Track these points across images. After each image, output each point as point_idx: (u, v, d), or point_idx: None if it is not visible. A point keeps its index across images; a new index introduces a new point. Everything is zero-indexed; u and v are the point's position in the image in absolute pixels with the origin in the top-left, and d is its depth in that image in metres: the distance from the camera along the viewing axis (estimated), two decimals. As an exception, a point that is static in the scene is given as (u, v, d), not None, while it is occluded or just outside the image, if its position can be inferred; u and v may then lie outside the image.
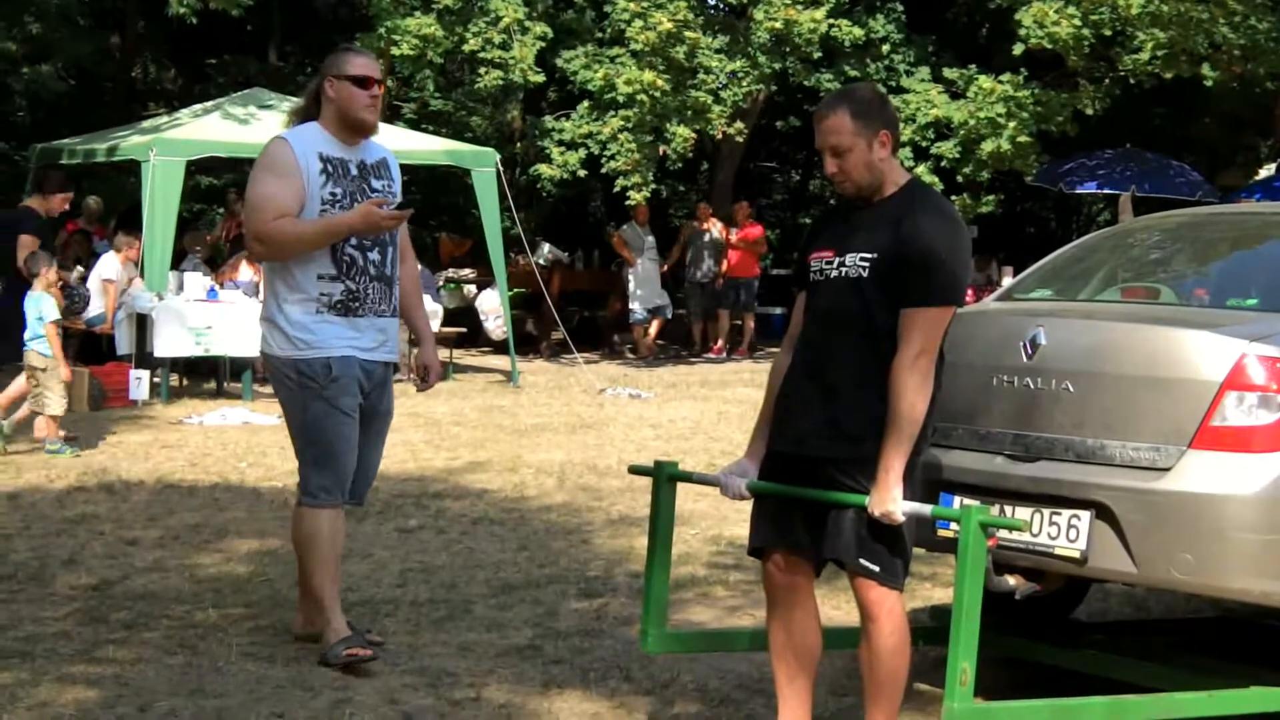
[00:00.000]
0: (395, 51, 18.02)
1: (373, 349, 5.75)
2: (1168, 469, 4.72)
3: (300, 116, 5.88)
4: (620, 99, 17.74)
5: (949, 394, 4.68)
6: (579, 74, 18.92)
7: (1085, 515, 4.84)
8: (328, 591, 5.74)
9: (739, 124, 19.12)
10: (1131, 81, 19.21)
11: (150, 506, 8.63)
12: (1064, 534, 4.89)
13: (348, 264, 5.66)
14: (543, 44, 18.48)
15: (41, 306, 10.54)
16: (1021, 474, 5.03)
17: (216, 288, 14.57)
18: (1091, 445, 4.90)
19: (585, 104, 18.74)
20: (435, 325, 16.44)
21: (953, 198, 19.17)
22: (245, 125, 15.74)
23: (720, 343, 20.10)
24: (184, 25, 17.87)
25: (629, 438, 11.91)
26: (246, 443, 11.14)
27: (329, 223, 5.61)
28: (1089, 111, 19.40)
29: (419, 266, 6.69)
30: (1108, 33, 18.35)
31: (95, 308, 15.18)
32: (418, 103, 21.64)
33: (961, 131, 19.06)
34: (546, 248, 21.17)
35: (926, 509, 4.48)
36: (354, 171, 5.74)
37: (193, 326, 13.78)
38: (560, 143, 18.80)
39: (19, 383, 10.94)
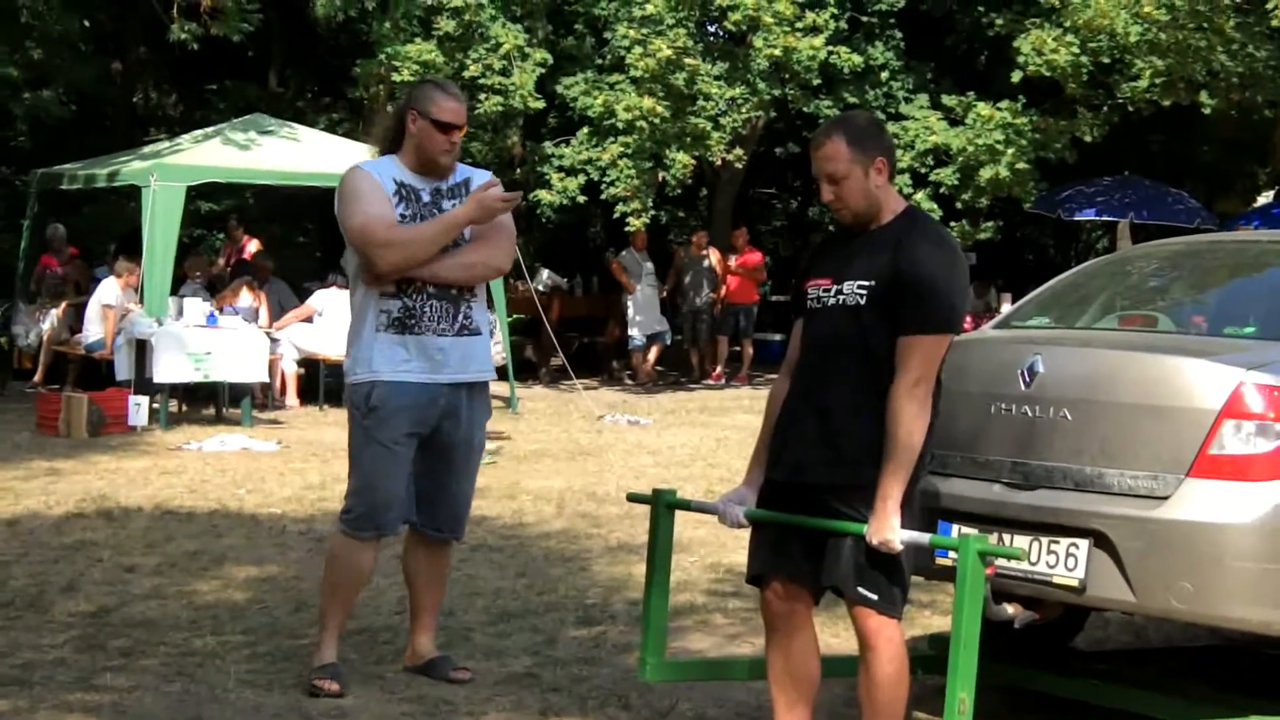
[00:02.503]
0: (396, 77, 18.06)
1: (429, 370, 5.62)
2: (1166, 497, 4.72)
3: (384, 143, 5.82)
4: (620, 125, 17.78)
5: (947, 421, 4.69)
6: (579, 100, 18.95)
7: (1084, 544, 4.84)
8: (329, 615, 5.76)
9: (738, 150, 19.15)
10: (1130, 109, 19.25)
11: (149, 533, 8.61)
12: (1062, 562, 4.88)
13: (406, 280, 5.62)
14: (543, 70, 18.53)
15: None
16: (1020, 502, 5.03)
17: (216, 313, 14.57)
18: (1090, 473, 4.89)
19: (585, 130, 18.77)
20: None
21: (951, 224, 19.20)
22: (246, 150, 15.78)
23: (719, 369, 20.10)
24: (185, 51, 17.89)
25: (628, 464, 11.90)
26: (245, 469, 11.13)
27: (446, 216, 5.63)
28: (1087, 138, 19.43)
29: None
30: (1106, 60, 18.40)
31: (94, 333, 15.20)
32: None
33: (960, 158, 19.10)
34: (546, 274, 21.19)
35: (925, 537, 4.48)
36: (426, 198, 5.70)
37: (192, 352, 13.77)
38: (560, 169, 18.83)
39: None
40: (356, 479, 5.71)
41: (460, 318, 5.69)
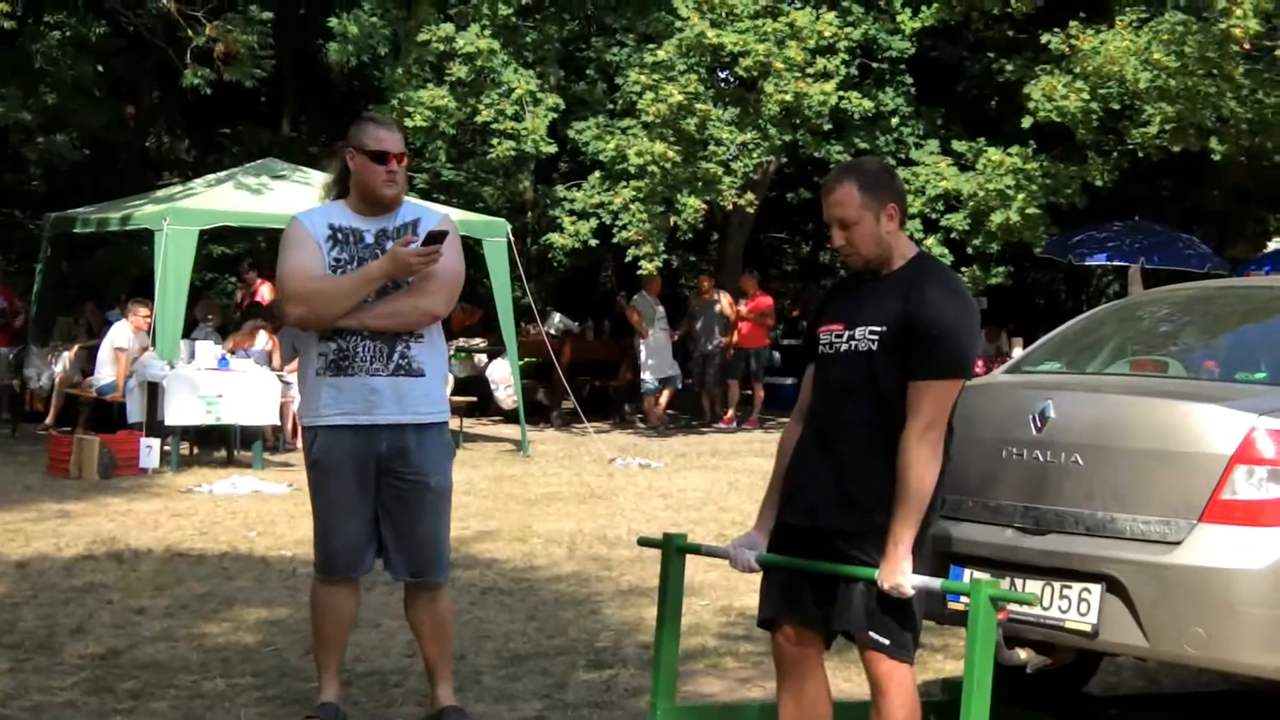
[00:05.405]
0: (408, 123, 18.14)
1: (362, 412, 5.58)
2: (1178, 543, 4.71)
3: (335, 189, 5.85)
4: (631, 169, 17.84)
5: (959, 466, 4.68)
6: (590, 145, 19.03)
7: (1096, 589, 4.83)
8: (321, 657, 5.78)
9: (749, 195, 19.20)
10: (1140, 154, 19.28)
11: (159, 575, 8.61)
12: (1075, 607, 4.87)
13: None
14: (554, 115, 18.61)
15: None
16: (1032, 547, 5.02)
17: (228, 356, 14.60)
18: (1101, 518, 4.89)
19: (597, 174, 18.83)
20: (445, 393, 16.44)
21: (962, 269, 19.22)
22: (258, 195, 15.84)
23: (731, 413, 20.10)
24: (198, 96, 18.02)
25: (639, 508, 11.89)
26: (256, 512, 11.13)
27: (362, 270, 5.58)
28: (1098, 184, 19.46)
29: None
30: (1116, 106, 18.44)
31: (106, 376, 15.23)
32: (430, 173, 21.76)
33: (971, 203, 19.12)
34: (557, 317, 21.23)
35: (936, 582, 4.47)
36: (369, 240, 5.66)
37: (204, 395, 13.79)
38: (571, 213, 18.90)
39: None
40: (316, 527, 5.76)
41: (396, 358, 5.63)
